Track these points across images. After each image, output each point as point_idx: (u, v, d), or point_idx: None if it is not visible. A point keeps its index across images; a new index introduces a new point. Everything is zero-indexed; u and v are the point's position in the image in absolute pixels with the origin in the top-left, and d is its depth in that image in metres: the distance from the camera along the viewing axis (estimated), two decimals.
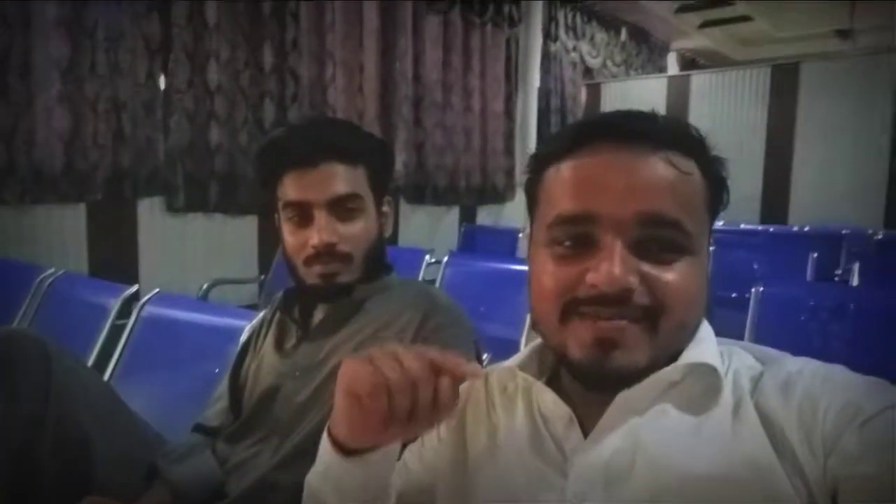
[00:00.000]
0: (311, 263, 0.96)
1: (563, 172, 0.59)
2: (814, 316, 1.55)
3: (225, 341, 1.12)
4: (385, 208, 1.03)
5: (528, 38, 5.59)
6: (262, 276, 3.22)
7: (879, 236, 3.92)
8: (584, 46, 6.23)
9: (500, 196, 5.44)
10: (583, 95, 6.32)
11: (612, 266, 0.53)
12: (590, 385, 0.58)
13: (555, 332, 0.58)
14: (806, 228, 4.19)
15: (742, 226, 4.76)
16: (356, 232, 0.96)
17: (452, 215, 5.05)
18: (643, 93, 6.08)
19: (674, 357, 0.57)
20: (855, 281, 2.44)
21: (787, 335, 1.65)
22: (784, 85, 5.06)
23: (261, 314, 1.13)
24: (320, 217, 0.94)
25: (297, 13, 3.66)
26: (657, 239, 0.55)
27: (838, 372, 0.54)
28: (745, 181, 5.26)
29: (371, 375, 0.53)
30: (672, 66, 7.80)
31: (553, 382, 0.64)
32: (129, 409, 0.99)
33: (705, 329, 0.60)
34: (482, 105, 5.24)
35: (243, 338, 1.10)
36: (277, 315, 1.05)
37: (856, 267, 2.51)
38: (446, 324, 0.95)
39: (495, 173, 5.38)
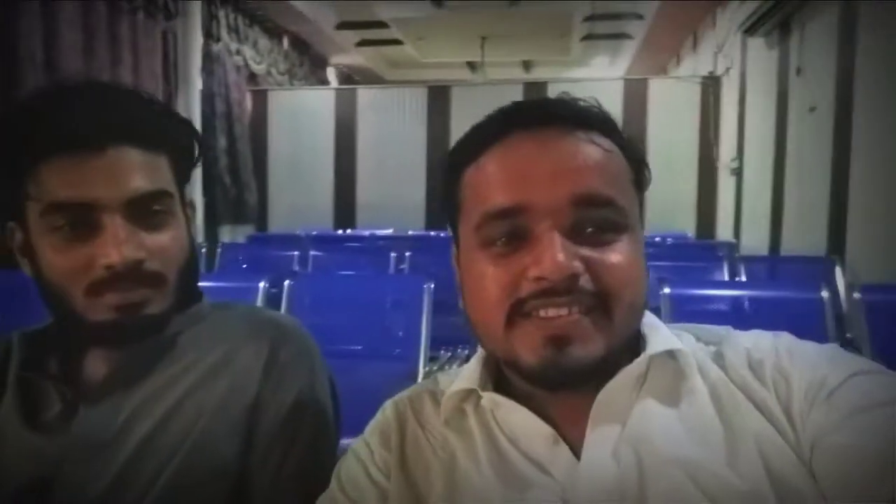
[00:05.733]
0: (100, 292, 0.64)
1: (484, 168, 0.56)
2: None
3: None
4: (189, 211, 0.75)
5: (186, 33, 5.07)
6: None
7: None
8: (248, 51, 5.95)
9: None
10: (249, 102, 6.05)
11: (555, 253, 0.50)
12: (549, 387, 0.54)
13: (501, 340, 0.54)
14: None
15: (410, 231, 5.18)
16: (167, 243, 0.68)
17: None
18: (311, 103, 6.12)
19: (631, 346, 0.56)
20: None
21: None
22: (438, 104, 5.67)
23: None
24: (114, 224, 0.64)
25: None
26: (593, 221, 0.53)
27: (797, 344, 0.55)
28: (412, 191, 5.73)
29: None
30: (332, 79, 8.05)
31: (505, 395, 0.58)
32: None
33: (652, 316, 0.59)
34: None
35: None
36: (15, 374, 0.69)
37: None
38: (301, 352, 0.75)
39: None
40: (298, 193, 6.03)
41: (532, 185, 0.52)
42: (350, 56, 7.87)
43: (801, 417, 0.49)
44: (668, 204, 5.00)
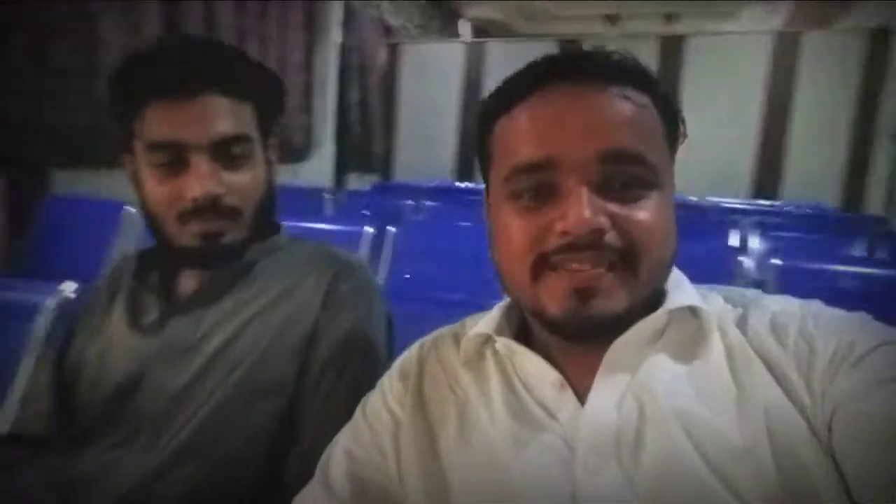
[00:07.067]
0: (187, 220, 0.78)
1: (515, 121, 0.57)
2: None
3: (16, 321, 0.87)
4: (272, 156, 0.87)
5: None
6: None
7: None
8: (386, 4, 6.12)
9: (296, 154, 5.15)
10: (383, 55, 6.23)
11: (581, 209, 0.51)
12: (571, 337, 0.56)
13: (528, 291, 0.55)
14: None
15: None
16: (245, 182, 0.80)
17: None
18: (441, 56, 6.19)
19: (653, 303, 0.56)
20: None
21: None
22: None
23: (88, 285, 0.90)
24: (199, 162, 0.76)
25: None
26: (622, 177, 0.53)
27: (825, 310, 0.55)
28: None
29: None
30: (466, 33, 8.05)
31: (525, 344, 0.60)
32: None
33: (679, 274, 0.59)
34: (280, 55, 4.87)
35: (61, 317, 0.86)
36: (128, 283, 0.84)
37: None
38: (361, 288, 0.84)
39: (291, 131, 5.07)
40: (423, 146, 6.19)
41: (561, 139, 0.53)
42: (484, 8, 7.81)
43: (823, 383, 0.49)
44: (811, 174, 4.59)
